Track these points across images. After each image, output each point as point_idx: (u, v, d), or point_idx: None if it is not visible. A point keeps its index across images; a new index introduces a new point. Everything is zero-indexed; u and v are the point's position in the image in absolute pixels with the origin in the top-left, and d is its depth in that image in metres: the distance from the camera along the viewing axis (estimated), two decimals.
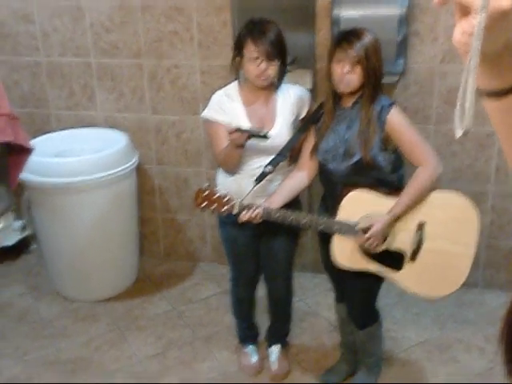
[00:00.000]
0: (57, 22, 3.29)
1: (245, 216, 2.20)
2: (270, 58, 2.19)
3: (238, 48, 2.26)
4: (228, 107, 2.33)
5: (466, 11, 0.55)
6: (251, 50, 2.19)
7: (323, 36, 2.86)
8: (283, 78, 2.35)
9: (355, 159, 2.11)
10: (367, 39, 2.06)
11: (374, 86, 2.09)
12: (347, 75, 2.07)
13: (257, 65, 2.20)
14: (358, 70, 2.06)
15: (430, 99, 2.94)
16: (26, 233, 3.70)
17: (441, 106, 2.94)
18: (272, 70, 2.22)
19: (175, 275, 3.52)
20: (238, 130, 2.17)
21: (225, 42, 3.07)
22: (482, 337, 2.89)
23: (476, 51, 0.54)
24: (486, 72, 0.57)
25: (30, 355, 2.85)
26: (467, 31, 0.55)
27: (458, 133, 0.58)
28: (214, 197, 2.26)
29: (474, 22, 0.53)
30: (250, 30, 2.22)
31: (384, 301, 2.79)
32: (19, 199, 3.62)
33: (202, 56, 3.14)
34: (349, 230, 2.15)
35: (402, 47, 2.71)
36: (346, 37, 2.11)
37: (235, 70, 2.35)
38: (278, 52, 2.21)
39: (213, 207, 2.26)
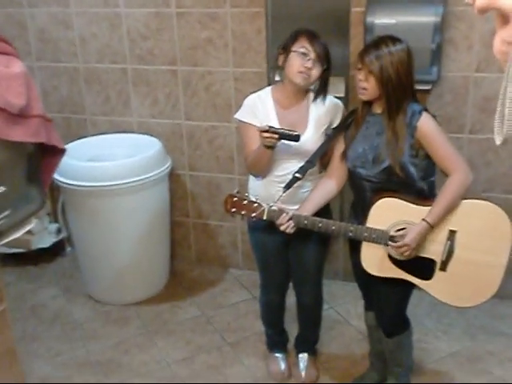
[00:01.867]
0: (95, 28, 3.46)
1: (283, 227, 2.29)
2: (318, 58, 2.28)
3: (286, 44, 2.33)
4: (260, 110, 2.41)
5: (505, 20, 0.56)
6: (302, 46, 2.28)
7: (357, 43, 2.93)
8: (326, 90, 2.41)
9: (384, 165, 2.17)
10: (386, 50, 2.10)
11: (395, 96, 2.13)
12: (361, 83, 2.16)
13: (304, 61, 2.28)
14: (372, 79, 2.13)
15: (464, 108, 2.98)
16: (61, 236, 3.88)
17: (475, 115, 2.98)
18: (316, 71, 2.30)
19: (206, 280, 3.64)
20: (270, 128, 2.25)
21: (259, 50, 3.18)
22: None
23: None
24: None
25: (62, 356, 2.99)
26: (507, 40, 0.56)
27: (498, 140, 0.61)
28: (244, 202, 2.35)
29: None
30: (305, 30, 2.33)
31: (416, 311, 2.84)
32: (55, 203, 3.80)
33: (236, 63, 3.26)
34: (378, 237, 2.21)
35: (437, 55, 2.74)
36: (367, 45, 2.20)
37: (275, 70, 2.43)
38: (326, 59, 2.31)
39: (242, 212, 2.35)
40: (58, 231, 3.86)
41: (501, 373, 2.76)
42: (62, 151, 2.03)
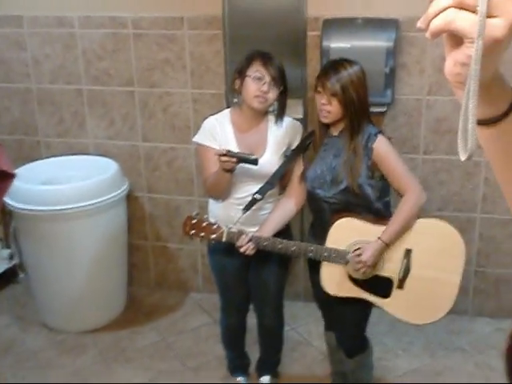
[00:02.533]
0: (48, 49, 3.45)
1: (243, 248, 2.32)
2: (274, 81, 2.33)
3: (241, 69, 2.38)
4: (219, 133, 2.44)
5: (457, 43, 0.60)
6: (257, 70, 2.32)
7: (313, 66, 3.02)
8: (284, 112, 2.47)
9: (342, 187, 2.25)
10: (345, 72, 2.20)
11: (356, 116, 2.23)
12: (323, 106, 2.23)
13: (260, 85, 2.32)
14: (335, 102, 2.21)
15: (417, 129, 3.11)
16: (14, 262, 3.80)
17: (428, 136, 3.11)
18: (272, 94, 2.35)
19: (165, 305, 3.62)
20: (228, 152, 2.28)
21: (217, 71, 3.23)
22: (472, 363, 3.02)
23: (476, 75, 0.58)
24: (478, 101, 0.61)
25: None
26: (460, 61, 0.60)
27: (463, 156, 0.63)
28: (203, 224, 2.38)
29: (468, 52, 0.58)
30: (259, 53, 2.38)
31: (375, 329, 2.91)
32: (7, 228, 3.73)
33: (195, 84, 3.30)
34: (338, 257, 2.28)
35: (390, 78, 2.86)
36: (325, 69, 2.29)
37: (232, 94, 2.47)
38: (282, 81, 2.36)
39: (201, 235, 2.38)
40: (10, 257, 3.78)
41: None
42: (12, 176, 2.01)
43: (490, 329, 3.27)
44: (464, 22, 0.57)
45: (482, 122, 0.67)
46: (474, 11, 0.56)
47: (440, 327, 3.18)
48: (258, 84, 2.32)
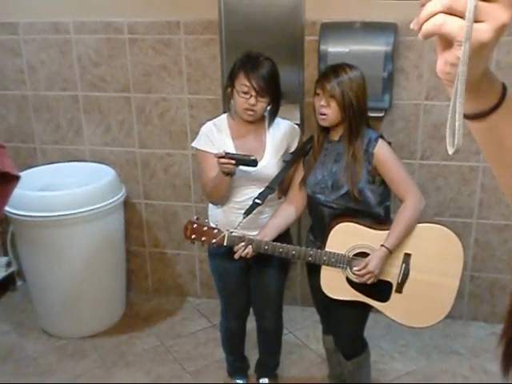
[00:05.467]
0: (43, 55, 3.49)
1: (237, 254, 2.38)
2: (259, 93, 2.34)
3: (231, 79, 2.42)
4: (217, 139, 2.49)
5: (448, 44, 0.66)
6: (242, 84, 2.34)
7: (311, 71, 3.09)
8: (276, 114, 2.52)
9: (343, 192, 2.31)
10: (346, 76, 2.25)
11: (355, 121, 2.28)
12: (322, 109, 2.29)
13: (246, 99, 2.36)
14: (334, 105, 2.26)
15: (415, 135, 3.17)
16: (12, 269, 3.84)
17: (426, 141, 3.17)
18: (260, 106, 2.38)
19: (164, 310, 3.68)
20: (226, 154, 2.32)
21: (214, 76, 3.29)
22: (467, 367, 3.10)
23: (463, 76, 0.64)
24: (466, 97, 0.66)
25: None
26: (450, 61, 0.65)
27: (450, 150, 0.68)
28: (204, 229, 2.43)
29: (457, 53, 0.63)
30: (244, 64, 2.37)
31: (372, 333, 2.98)
32: (4, 235, 3.77)
33: (191, 90, 3.35)
34: (337, 261, 2.34)
35: (388, 83, 2.91)
36: (326, 72, 2.34)
37: (227, 101, 2.51)
38: (269, 88, 2.37)
39: (203, 239, 2.44)
40: (8, 264, 3.82)
41: None
42: (17, 178, 2.04)
43: (484, 333, 3.36)
44: (453, 25, 0.62)
45: (472, 117, 0.72)
46: (462, 16, 0.62)
47: (435, 331, 3.27)
48: (244, 97, 2.36)
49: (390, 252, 2.29)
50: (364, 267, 2.28)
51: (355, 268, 2.31)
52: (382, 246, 2.28)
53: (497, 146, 0.76)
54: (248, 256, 2.40)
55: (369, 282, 2.30)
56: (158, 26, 3.28)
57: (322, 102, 2.28)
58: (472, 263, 3.33)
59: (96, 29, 3.37)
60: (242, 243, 2.38)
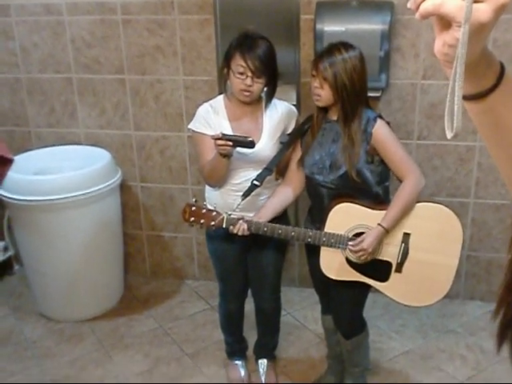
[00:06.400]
0: (36, 37, 3.45)
1: (232, 231, 2.38)
2: (256, 74, 2.32)
3: (227, 59, 2.39)
4: (213, 121, 2.46)
5: (446, 25, 0.65)
6: (238, 64, 2.32)
7: (307, 51, 3.06)
8: (273, 95, 2.49)
9: (341, 172, 2.29)
10: (340, 56, 2.21)
11: (349, 102, 2.25)
12: (316, 90, 2.27)
13: (242, 80, 2.33)
14: (326, 86, 2.24)
15: (412, 114, 3.15)
16: (8, 254, 3.84)
17: (423, 121, 3.16)
18: (257, 86, 2.36)
19: (161, 293, 3.68)
20: (223, 135, 2.30)
21: (209, 57, 3.26)
22: (463, 346, 3.12)
23: (462, 58, 0.63)
24: (464, 78, 0.65)
25: (16, 376, 2.97)
26: (448, 42, 0.65)
27: (449, 134, 0.68)
28: (202, 212, 2.42)
29: (456, 35, 0.62)
30: (240, 44, 2.34)
31: (370, 312, 2.99)
32: (0, 219, 3.75)
33: (186, 71, 3.32)
34: (336, 241, 2.34)
35: (385, 63, 2.89)
36: (321, 52, 2.31)
37: (223, 82, 2.49)
38: (266, 69, 2.34)
39: (201, 221, 2.43)
40: (5, 249, 3.81)
41: (451, 369, 2.95)
42: (10, 161, 2.02)
43: (481, 312, 3.39)
44: (451, 6, 0.62)
45: (470, 98, 0.72)
46: None
47: (432, 310, 3.30)
48: (240, 78, 2.34)
49: (387, 231, 2.29)
50: (358, 244, 2.28)
51: (350, 243, 2.31)
52: (379, 224, 2.28)
53: (494, 126, 0.76)
54: (245, 233, 2.38)
55: (362, 259, 2.30)
56: (152, 6, 3.24)
57: (316, 84, 2.27)
58: (469, 242, 3.35)
59: (89, 10, 3.33)
60: (241, 221, 2.37)
